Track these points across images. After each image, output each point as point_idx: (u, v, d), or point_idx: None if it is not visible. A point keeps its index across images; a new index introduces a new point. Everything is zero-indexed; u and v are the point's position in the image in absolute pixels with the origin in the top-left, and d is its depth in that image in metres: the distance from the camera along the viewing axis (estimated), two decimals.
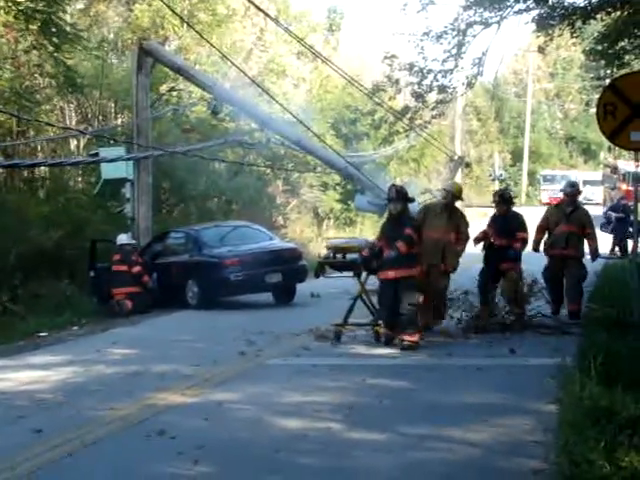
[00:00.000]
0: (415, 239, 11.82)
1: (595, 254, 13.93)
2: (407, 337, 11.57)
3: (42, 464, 7.14)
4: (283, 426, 7.97)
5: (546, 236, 14.10)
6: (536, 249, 14.17)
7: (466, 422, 7.66)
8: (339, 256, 12.92)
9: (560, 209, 14.16)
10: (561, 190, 14.87)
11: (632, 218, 22.15)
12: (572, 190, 14.19)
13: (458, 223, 13.14)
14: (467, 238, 13.28)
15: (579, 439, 6.34)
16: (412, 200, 12.57)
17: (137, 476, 6.76)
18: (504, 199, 13.93)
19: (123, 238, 18.59)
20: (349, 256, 12.75)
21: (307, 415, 8.29)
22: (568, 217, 13.79)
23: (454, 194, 13.28)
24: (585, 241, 13.81)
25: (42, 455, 7.36)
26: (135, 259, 18.32)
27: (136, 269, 18.16)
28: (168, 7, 18.65)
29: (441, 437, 7.27)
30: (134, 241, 19.03)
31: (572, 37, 16.86)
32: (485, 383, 9.45)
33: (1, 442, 7.92)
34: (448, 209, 13.14)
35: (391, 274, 11.72)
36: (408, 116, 17.11)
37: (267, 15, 17.88)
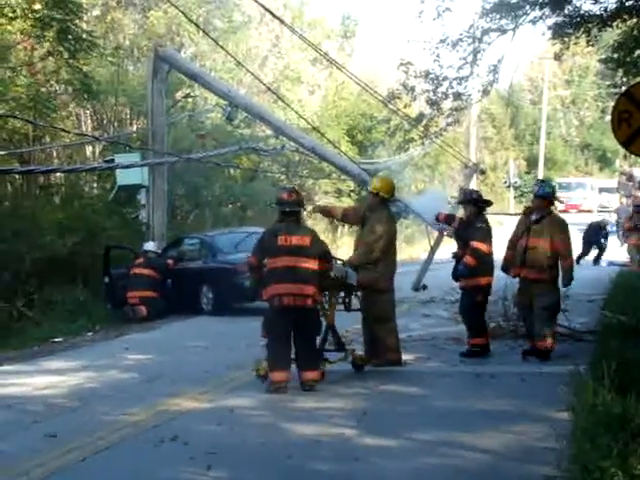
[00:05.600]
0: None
1: (567, 278, 11.01)
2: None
3: (56, 469, 7.18)
4: (296, 432, 7.98)
5: None
6: (504, 269, 11.61)
7: (478, 429, 7.65)
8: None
9: (528, 218, 11.36)
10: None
11: None
12: (539, 191, 11.28)
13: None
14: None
15: (592, 447, 6.31)
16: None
17: None
18: (467, 199, 11.93)
19: (150, 245, 18.97)
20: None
21: (320, 421, 8.29)
22: (530, 227, 11.09)
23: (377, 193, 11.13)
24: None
25: (56, 460, 7.39)
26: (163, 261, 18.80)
27: (169, 261, 18.76)
28: (184, 15, 18.72)
29: (453, 443, 7.26)
30: (159, 251, 19.18)
31: (588, 45, 16.81)
32: (498, 390, 9.43)
33: (15, 447, 7.98)
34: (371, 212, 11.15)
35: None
36: (423, 123, 17.10)
37: (282, 22, 17.87)
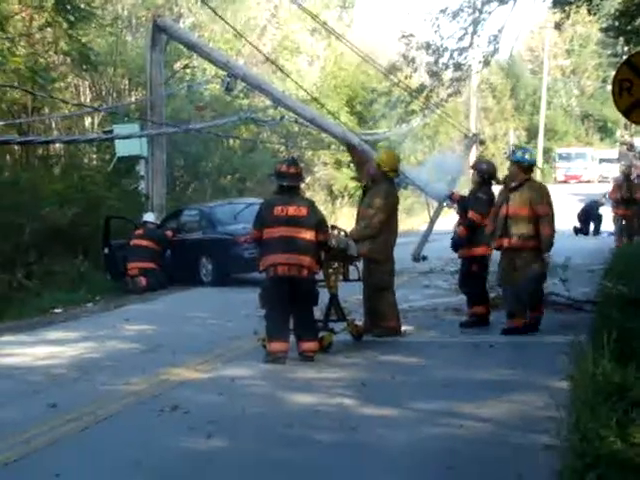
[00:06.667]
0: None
1: (547, 244, 10.64)
2: None
3: (56, 438, 7.19)
4: (296, 401, 8.00)
5: None
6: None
7: (479, 398, 7.66)
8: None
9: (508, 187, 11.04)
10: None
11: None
12: (513, 156, 11.07)
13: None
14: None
15: (591, 416, 6.33)
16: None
17: (151, 450, 6.78)
18: (474, 167, 12.01)
19: (150, 216, 18.99)
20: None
21: (320, 391, 8.31)
22: (508, 196, 10.79)
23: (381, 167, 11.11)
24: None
25: (57, 429, 7.41)
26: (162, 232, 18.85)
27: (168, 232, 18.80)
28: None
29: (453, 413, 7.28)
30: (159, 222, 19.19)
31: (589, 14, 16.71)
32: (498, 360, 9.46)
33: (16, 416, 7.99)
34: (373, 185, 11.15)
35: None
36: (424, 94, 17.04)
37: None
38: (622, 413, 6.36)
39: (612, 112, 66.14)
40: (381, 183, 11.04)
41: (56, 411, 7.98)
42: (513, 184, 10.78)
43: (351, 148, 12.07)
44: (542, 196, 10.70)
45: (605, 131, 73.55)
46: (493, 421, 6.99)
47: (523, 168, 10.79)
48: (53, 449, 6.93)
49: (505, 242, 10.72)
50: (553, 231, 10.63)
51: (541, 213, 10.56)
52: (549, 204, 10.71)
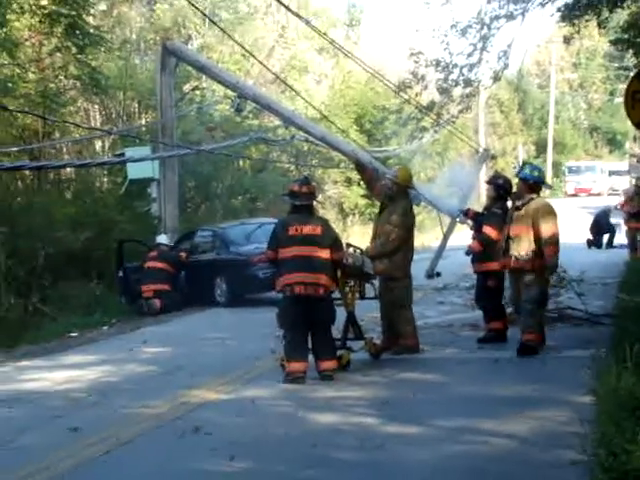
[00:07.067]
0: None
1: (550, 267, 10.30)
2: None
3: (78, 463, 7.19)
4: (317, 421, 7.98)
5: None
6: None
7: (501, 414, 7.63)
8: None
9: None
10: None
11: None
12: (519, 173, 10.75)
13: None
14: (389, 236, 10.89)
15: (617, 430, 6.30)
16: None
17: (173, 473, 6.78)
18: (490, 182, 11.92)
19: (163, 238, 19.06)
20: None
21: (341, 410, 8.30)
22: (514, 213, 10.58)
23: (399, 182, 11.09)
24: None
25: (78, 454, 7.40)
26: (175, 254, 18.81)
27: (182, 254, 18.74)
28: (191, 4, 18.62)
29: (477, 430, 7.25)
30: (171, 244, 19.23)
31: (599, 27, 16.72)
32: (518, 375, 9.42)
33: (38, 441, 7.99)
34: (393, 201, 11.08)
35: None
36: (435, 111, 17.07)
37: (288, 9, 17.77)
38: None
39: (621, 124, 66.30)
40: (399, 200, 11.00)
41: (77, 435, 7.98)
42: (518, 202, 10.59)
43: (360, 167, 12.05)
44: (546, 215, 10.28)
45: (614, 144, 73.48)
46: (517, 437, 6.95)
47: (529, 185, 10.49)
48: (76, 474, 6.93)
49: (507, 262, 10.55)
50: (556, 252, 10.23)
51: (544, 234, 10.16)
52: (553, 224, 10.27)
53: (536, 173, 10.69)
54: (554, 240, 10.20)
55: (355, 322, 10.57)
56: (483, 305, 11.80)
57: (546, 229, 10.18)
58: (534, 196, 10.50)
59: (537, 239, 10.21)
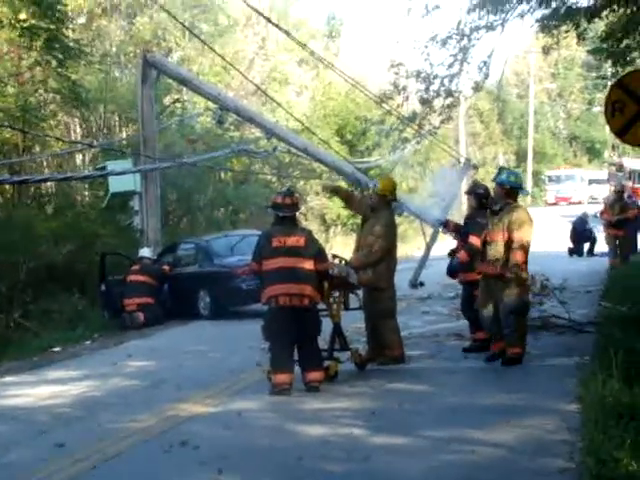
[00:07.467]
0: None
1: (513, 270, 10.05)
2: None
3: (66, 479, 7.14)
4: (305, 433, 7.96)
5: None
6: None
7: (488, 424, 7.64)
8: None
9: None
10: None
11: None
12: (495, 178, 10.65)
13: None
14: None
15: (604, 438, 6.32)
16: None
17: None
18: (471, 191, 11.82)
19: (145, 251, 19.00)
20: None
21: (328, 421, 8.27)
22: (492, 220, 10.52)
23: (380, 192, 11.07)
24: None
25: (66, 470, 7.37)
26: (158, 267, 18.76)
27: (165, 267, 18.72)
28: (171, 16, 18.66)
29: (464, 439, 7.25)
30: (154, 257, 19.17)
31: (578, 39, 16.80)
32: (504, 384, 9.42)
33: (24, 457, 7.95)
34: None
35: None
36: (417, 122, 17.11)
37: (268, 20, 17.81)
38: (634, 434, 6.36)
39: (599, 133, 66.78)
40: (381, 211, 10.99)
41: (64, 451, 7.94)
42: (495, 207, 10.52)
43: (332, 191, 12.17)
44: (519, 222, 10.14)
45: (593, 152, 73.92)
46: (505, 446, 6.95)
47: (505, 191, 10.39)
48: None
49: (483, 268, 10.50)
50: (523, 259, 10.10)
51: (514, 238, 10.05)
52: (525, 230, 10.13)
53: (512, 178, 10.59)
54: (521, 246, 10.07)
55: (341, 333, 10.57)
56: (469, 315, 11.82)
57: (517, 235, 10.09)
58: (510, 201, 10.41)
59: (509, 245, 10.13)
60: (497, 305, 10.29)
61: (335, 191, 12.18)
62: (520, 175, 11.76)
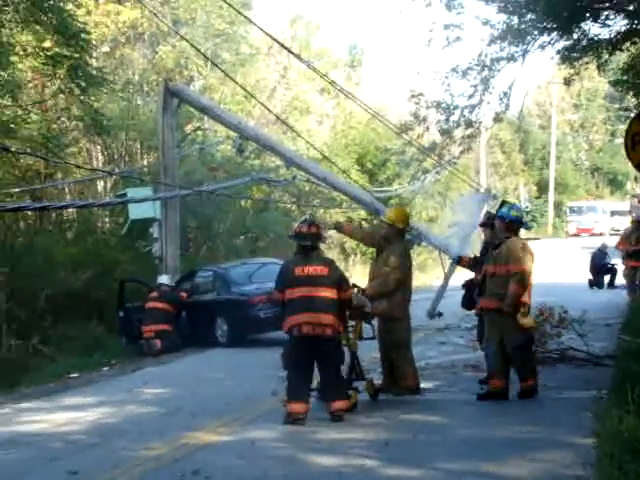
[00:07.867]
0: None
1: (509, 302, 9.97)
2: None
3: None
4: (318, 463, 7.92)
5: None
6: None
7: (503, 457, 7.58)
8: None
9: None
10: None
11: None
12: (500, 213, 10.53)
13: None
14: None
15: (619, 473, 6.25)
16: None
17: None
18: (486, 223, 11.74)
19: (164, 278, 18.98)
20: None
21: (342, 452, 8.23)
22: (492, 253, 10.53)
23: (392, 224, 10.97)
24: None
25: None
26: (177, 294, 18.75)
27: (182, 293, 18.69)
28: (193, 47, 18.81)
29: (478, 472, 7.19)
30: (173, 285, 19.20)
31: (599, 70, 16.80)
32: (520, 417, 9.36)
33: None
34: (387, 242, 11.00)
35: None
36: (436, 152, 17.15)
37: (289, 51, 17.95)
38: None
39: (622, 165, 66.48)
40: (395, 242, 10.93)
41: (77, 478, 7.93)
42: (496, 241, 10.50)
43: (336, 229, 12.20)
44: (516, 253, 10.08)
45: (615, 184, 73.67)
46: None
47: (505, 224, 10.33)
48: None
49: (483, 302, 10.49)
50: (520, 290, 10.00)
51: (511, 270, 10.00)
52: (524, 263, 10.03)
53: (514, 213, 10.49)
54: (518, 278, 9.99)
55: (358, 362, 10.54)
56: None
57: (513, 267, 10.04)
58: (510, 235, 10.33)
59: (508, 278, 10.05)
60: (502, 340, 10.21)
61: (337, 228, 12.19)
62: (522, 209, 11.85)
